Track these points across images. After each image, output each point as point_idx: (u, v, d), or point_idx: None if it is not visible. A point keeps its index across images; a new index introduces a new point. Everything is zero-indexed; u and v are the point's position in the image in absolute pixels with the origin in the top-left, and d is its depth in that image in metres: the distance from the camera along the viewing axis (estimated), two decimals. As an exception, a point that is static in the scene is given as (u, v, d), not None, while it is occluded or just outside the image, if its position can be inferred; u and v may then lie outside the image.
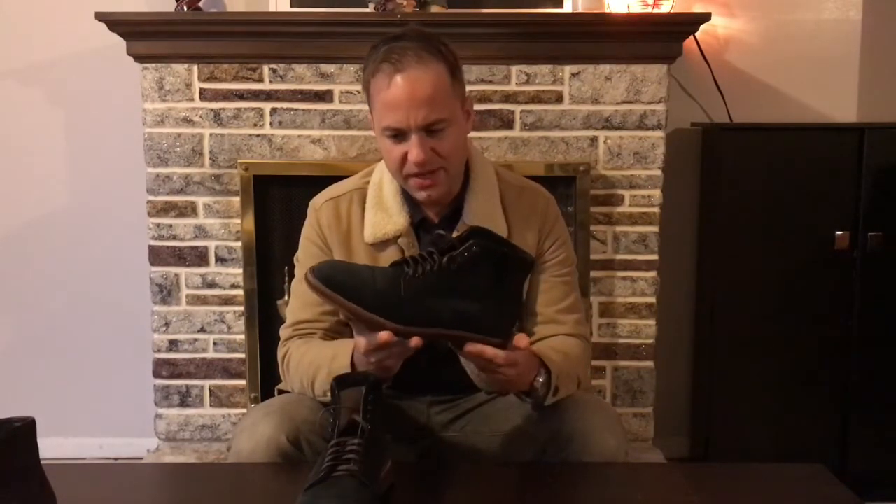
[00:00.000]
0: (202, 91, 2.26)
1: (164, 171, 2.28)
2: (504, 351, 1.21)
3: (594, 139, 2.28)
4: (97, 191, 2.56)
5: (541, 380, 1.32)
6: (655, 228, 2.31)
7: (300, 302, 1.49)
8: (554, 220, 1.53)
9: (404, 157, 1.36)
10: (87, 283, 2.60)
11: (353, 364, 1.31)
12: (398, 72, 1.33)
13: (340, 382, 1.16)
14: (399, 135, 1.36)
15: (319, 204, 1.51)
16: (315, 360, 1.38)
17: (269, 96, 2.26)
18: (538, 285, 1.50)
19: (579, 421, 1.34)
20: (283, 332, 1.50)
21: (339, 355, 1.33)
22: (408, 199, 1.47)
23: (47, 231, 2.58)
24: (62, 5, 2.46)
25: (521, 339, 1.24)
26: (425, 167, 1.36)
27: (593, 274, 2.31)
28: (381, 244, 1.46)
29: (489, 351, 1.20)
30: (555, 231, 1.52)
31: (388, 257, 1.45)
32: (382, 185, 1.48)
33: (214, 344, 2.35)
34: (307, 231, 1.52)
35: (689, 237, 2.57)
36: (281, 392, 1.52)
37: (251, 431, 1.33)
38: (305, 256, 1.52)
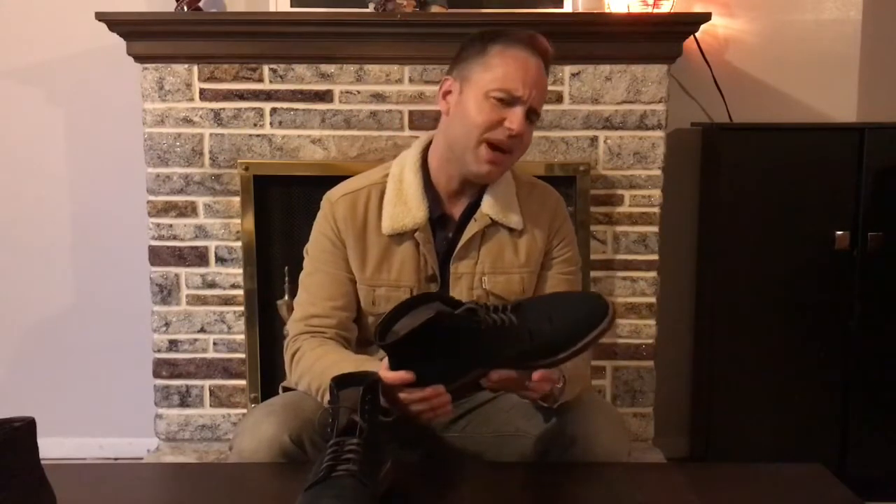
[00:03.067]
0: (202, 91, 2.26)
1: (164, 171, 2.28)
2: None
3: (594, 139, 2.28)
4: (97, 191, 2.56)
5: (559, 385, 1.32)
6: (655, 228, 2.31)
7: (310, 295, 1.49)
8: (563, 218, 1.57)
9: (498, 122, 1.40)
10: (87, 283, 2.60)
11: None
12: (538, 54, 1.43)
13: (339, 382, 1.16)
14: (508, 102, 1.40)
15: (336, 198, 1.51)
16: (329, 368, 1.34)
17: (269, 96, 2.26)
18: (543, 282, 1.54)
19: (582, 422, 1.35)
20: (293, 325, 1.50)
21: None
22: (429, 192, 1.49)
23: (47, 231, 2.58)
24: (62, 5, 2.46)
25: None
26: (514, 140, 1.41)
27: (593, 274, 2.31)
28: (397, 236, 1.48)
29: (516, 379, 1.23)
30: (563, 229, 1.57)
31: (403, 250, 1.47)
32: (403, 179, 1.49)
33: (214, 344, 2.35)
34: (321, 225, 1.52)
35: (689, 237, 2.57)
36: (287, 389, 1.52)
37: (253, 431, 1.33)
38: (317, 250, 1.52)
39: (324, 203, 1.53)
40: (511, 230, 1.50)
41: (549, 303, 1.28)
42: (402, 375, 1.20)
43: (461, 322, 1.17)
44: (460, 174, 1.47)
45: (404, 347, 1.18)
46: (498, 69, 1.40)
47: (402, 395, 1.22)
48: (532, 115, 1.43)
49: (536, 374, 1.21)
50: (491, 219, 1.49)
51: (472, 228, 1.49)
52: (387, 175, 1.52)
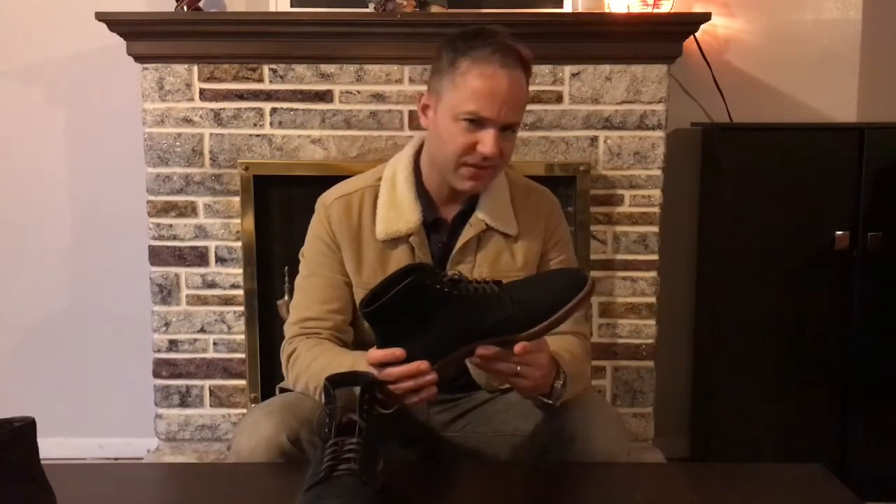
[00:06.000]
0: (202, 91, 2.26)
1: (164, 171, 2.28)
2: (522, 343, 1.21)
3: (594, 139, 2.28)
4: (97, 191, 2.56)
5: (560, 381, 1.32)
6: (655, 228, 2.31)
7: (306, 298, 1.49)
8: (557, 221, 1.57)
9: (471, 146, 1.38)
10: (87, 282, 2.60)
11: None
12: (506, 67, 1.37)
13: (335, 382, 1.16)
14: (478, 124, 1.37)
15: (330, 201, 1.51)
16: (326, 367, 1.35)
17: (269, 96, 2.26)
18: None
19: (581, 421, 1.34)
20: (289, 328, 1.50)
21: (356, 363, 1.32)
22: (422, 197, 1.48)
23: (47, 231, 2.58)
24: (62, 5, 2.46)
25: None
26: (490, 161, 1.39)
27: (593, 274, 2.31)
28: (392, 241, 1.47)
29: (502, 354, 1.21)
30: (558, 232, 1.56)
31: (398, 255, 1.47)
32: (396, 183, 1.49)
33: (214, 344, 2.35)
34: (315, 228, 1.52)
35: (689, 237, 2.57)
36: (283, 391, 1.52)
37: (251, 431, 1.33)
38: (312, 253, 1.52)
39: (318, 206, 1.53)
40: (506, 235, 1.50)
41: (531, 278, 1.34)
42: (392, 351, 1.20)
43: (444, 288, 1.18)
44: (449, 184, 1.47)
45: (389, 317, 1.19)
46: (466, 90, 1.37)
47: (387, 371, 1.20)
48: (509, 129, 1.41)
49: (518, 347, 1.19)
50: (486, 224, 1.48)
51: (467, 233, 1.48)
52: (380, 178, 1.51)
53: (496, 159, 1.40)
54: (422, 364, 1.19)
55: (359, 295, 1.48)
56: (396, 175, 1.50)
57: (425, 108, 1.46)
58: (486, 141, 1.37)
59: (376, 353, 1.22)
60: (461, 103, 1.37)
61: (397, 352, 1.20)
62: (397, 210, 1.47)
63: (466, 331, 1.20)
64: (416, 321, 1.19)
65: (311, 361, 1.41)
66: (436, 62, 1.44)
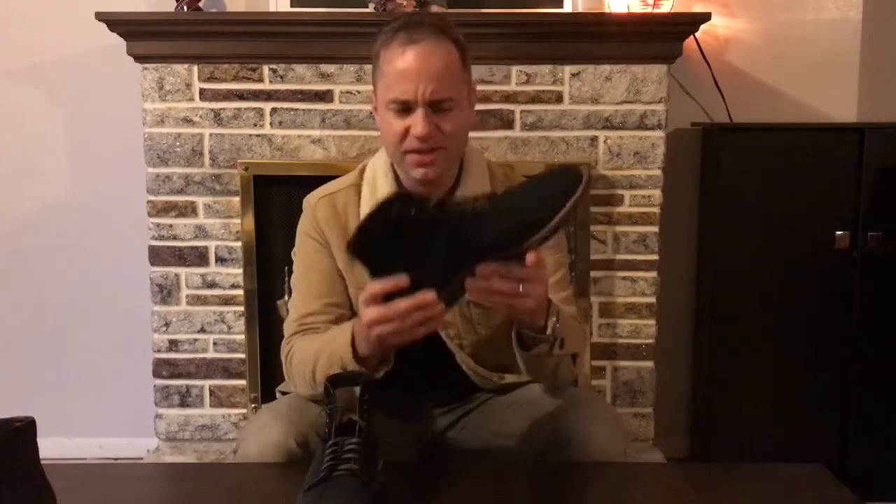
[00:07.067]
0: (202, 91, 2.26)
1: (164, 171, 2.28)
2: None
3: (594, 139, 2.28)
4: (97, 191, 2.56)
5: (553, 318, 1.26)
6: (655, 228, 2.31)
7: (303, 295, 1.48)
8: None
9: (405, 132, 1.34)
10: (87, 283, 2.60)
11: (353, 343, 1.27)
12: (412, 42, 1.32)
13: (334, 382, 1.16)
14: (405, 108, 1.33)
15: (315, 201, 1.50)
16: (315, 346, 1.34)
17: (269, 96, 2.26)
18: None
19: (579, 421, 1.34)
20: (288, 327, 1.48)
21: (338, 335, 1.30)
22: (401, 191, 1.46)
23: (47, 231, 2.58)
24: (62, 5, 2.46)
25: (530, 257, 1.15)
26: (427, 143, 1.34)
27: (593, 274, 2.31)
28: None
29: (504, 271, 1.14)
30: None
31: None
32: (376, 181, 1.48)
33: (214, 344, 2.35)
34: (304, 226, 1.51)
35: (689, 237, 2.57)
36: (283, 393, 1.51)
37: (258, 435, 1.32)
38: (304, 251, 1.51)
39: (304, 206, 1.52)
40: None
41: (520, 185, 1.21)
42: (395, 280, 1.13)
43: (431, 213, 1.13)
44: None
45: (379, 251, 1.13)
46: (385, 78, 1.35)
47: (394, 306, 1.14)
48: (441, 107, 1.33)
49: (530, 257, 1.13)
50: None
51: None
52: (362, 176, 1.50)
53: (436, 139, 1.34)
54: (428, 295, 1.13)
55: (352, 293, 1.46)
56: (376, 174, 1.48)
57: (375, 109, 1.45)
58: (416, 123, 1.32)
59: (377, 286, 1.15)
60: (385, 93, 1.35)
61: (401, 280, 1.13)
62: None
63: (463, 252, 1.13)
64: (409, 252, 1.13)
65: (304, 350, 1.39)
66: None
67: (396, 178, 1.47)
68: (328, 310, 1.45)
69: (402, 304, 1.14)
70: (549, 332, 1.26)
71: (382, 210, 1.14)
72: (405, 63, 1.32)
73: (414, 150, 1.35)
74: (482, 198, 1.16)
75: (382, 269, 1.15)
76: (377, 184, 1.47)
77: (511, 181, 1.52)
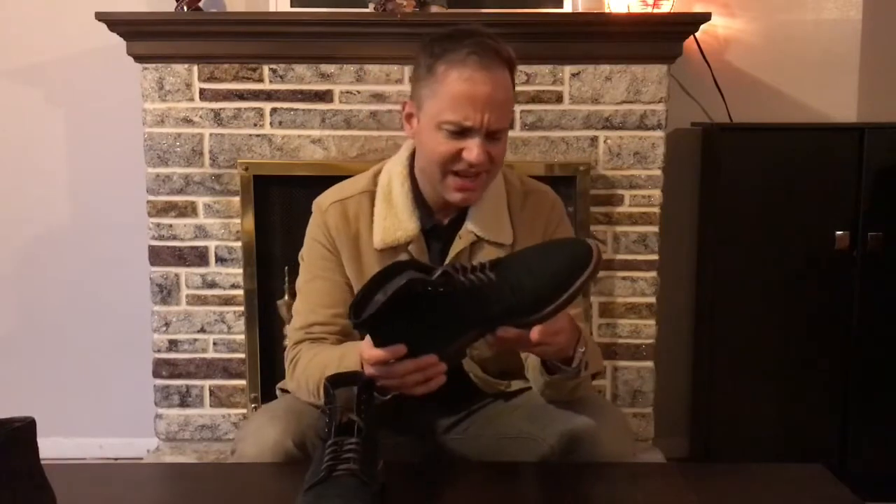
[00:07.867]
0: (202, 91, 2.26)
1: (164, 171, 2.28)
2: (540, 326, 1.15)
3: (594, 139, 2.28)
4: (97, 191, 2.56)
5: (582, 348, 1.26)
6: (655, 228, 2.31)
7: (310, 303, 1.45)
8: (557, 221, 1.51)
9: (456, 154, 1.32)
10: (87, 282, 2.60)
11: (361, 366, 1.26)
12: (485, 69, 1.29)
13: (334, 382, 1.16)
14: (461, 132, 1.31)
15: (326, 205, 1.46)
16: (323, 360, 1.33)
17: (269, 96, 2.26)
18: None
19: (587, 423, 1.33)
20: (293, 334, 1.45)
21: (346, 354, 1.29)
22: (419, 203, 1.43)
23: (47, 231, 2.58)
24: (62, 5, 2.46)
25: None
26: (479, 168, 1.33)
27: (593, 274, 2.31)
28: (390, 250, 1.42)
29: (524, 335, 1.15)
30: (558, 232, 1.50)
31: None
32: (392, 189, 1.44)
33: (214, 344, 2.35)
34: (314, 231, 1.47)
35: (689, 237, 2.57)
36: (283, 391, 1.50)
37: (256, 436, 1.31)
38: (312, 257, 1.47)
39: (314, 209, 1.48)
40: (500, 244, 1.44)
41: (528, 255, 1.19)
42: (394, 349, 1.14)
43: (437, 287, 1.11)
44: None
45: (382, 322, 1.13)
46: (445, 98, 1.30)
47: (392, 370, 1.15)
48: (495, 135, 1.33)
49: (534, 334, 1.14)
50: (476, 235, 1.43)
51: (457, 245, 1.43)
52: (376, 182, 1.46)
53: (485, 165, 1.33)
54: (430, 358, 1.14)
55: None
56: (392, 182, 1.45)
57: (409, 116, 1.41)
58: (471, 148, 1.30)
59: (376, 353, 1.15)
60: (441, 112, 1.31)
61: (399, 350, 1.14)
62: (395, 219, 1.42)
63: (467, 322, 1.15)
64: (414, 322, 1.14)
65: (310, 361, 1.38)
66: (415, 68, 1.37)
67: (413, 188, 1.44)
68: (335, 320, 1.43)
69: (402, 367, 1.15)
70: (575, 364, 1.27)
71: (391, 286, 1.11)
72: (474, 89, 1.29)
73: (461, 173, 1.34)
74: (488, 267, 1.14)
75: (387, 339, 1.16)
76: (393, 194, 1.44)
77: (526, 186, 1.51)
